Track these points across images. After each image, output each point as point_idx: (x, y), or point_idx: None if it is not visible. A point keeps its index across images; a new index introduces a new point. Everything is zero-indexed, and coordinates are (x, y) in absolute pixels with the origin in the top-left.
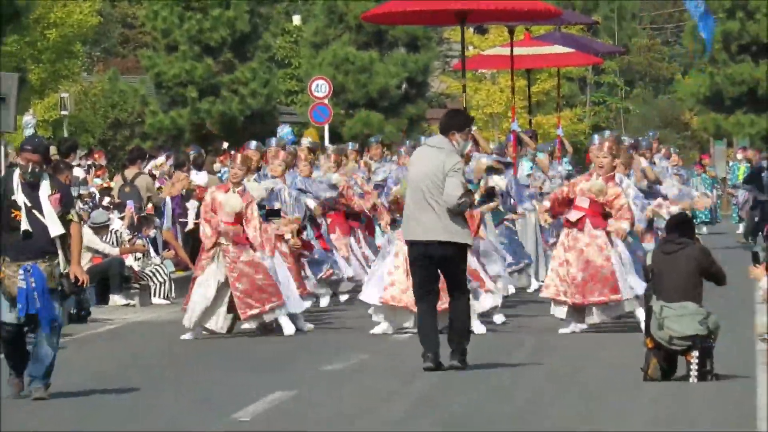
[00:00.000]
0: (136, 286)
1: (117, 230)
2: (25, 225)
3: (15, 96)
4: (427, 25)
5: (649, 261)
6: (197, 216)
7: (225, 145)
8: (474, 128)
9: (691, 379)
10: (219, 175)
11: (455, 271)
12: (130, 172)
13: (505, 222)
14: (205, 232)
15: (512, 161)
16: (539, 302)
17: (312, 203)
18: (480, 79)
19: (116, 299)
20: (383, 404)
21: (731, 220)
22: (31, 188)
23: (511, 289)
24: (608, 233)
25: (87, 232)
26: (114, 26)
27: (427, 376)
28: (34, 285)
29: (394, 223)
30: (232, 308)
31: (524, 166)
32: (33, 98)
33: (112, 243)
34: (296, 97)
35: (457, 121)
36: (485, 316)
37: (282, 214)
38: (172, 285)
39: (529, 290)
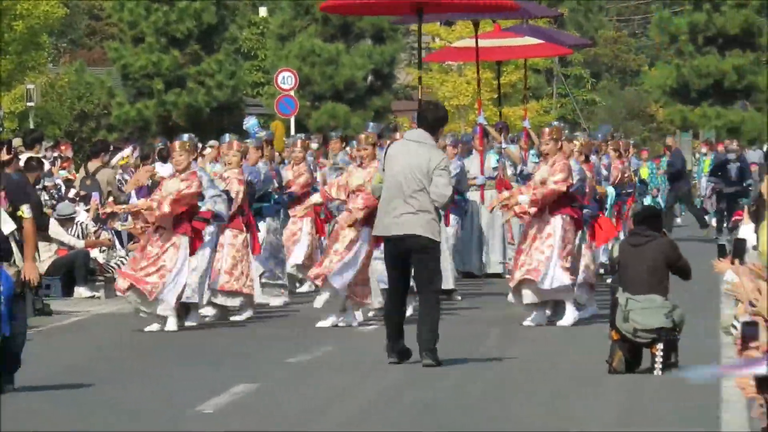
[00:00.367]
0: (101, 278)
1: (82, 222)
2: None
3: None
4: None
5: (615, 253)
6: None
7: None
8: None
9: (655, 372)
10: None
11: (426, 267)
12: (92, 165)
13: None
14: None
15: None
16: (499, 294)
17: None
18: (446, 71)
19: (81, 291)
20: (346, 397)
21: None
22: None
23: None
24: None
25: (53, 224)
26: (80, 18)
27: (391, 369)
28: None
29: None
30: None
31: (491, 159)
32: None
33: (78, 235)
34: (262, 89)
35: (444, 115)
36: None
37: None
38: None
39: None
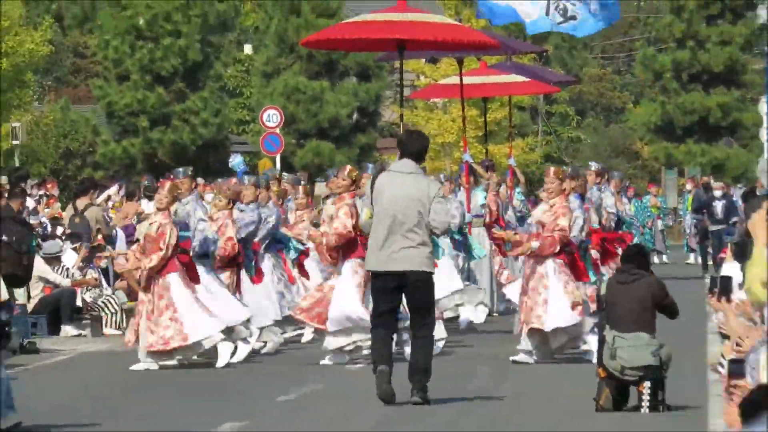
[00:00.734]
0: (88, 316)
1: (68, 268)
2: None
3: None
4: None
5: (603, 290)
6: None
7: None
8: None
9: (642, 410)
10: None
11: (424, 302)
12: (81, 203)
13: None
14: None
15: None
16: (491, 332)
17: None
18: (431, 108)
19: (68, 330)
20: None
21: (681, 250)
22: None
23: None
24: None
25: (39, 262)
26: (65, 55)
27: (379, 407)
28: None
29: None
30: None
31: (478, 197)
32: None
33: (64, 274)
34: (248, 126)
35: (428, 144)
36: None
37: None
38: (124, 315)
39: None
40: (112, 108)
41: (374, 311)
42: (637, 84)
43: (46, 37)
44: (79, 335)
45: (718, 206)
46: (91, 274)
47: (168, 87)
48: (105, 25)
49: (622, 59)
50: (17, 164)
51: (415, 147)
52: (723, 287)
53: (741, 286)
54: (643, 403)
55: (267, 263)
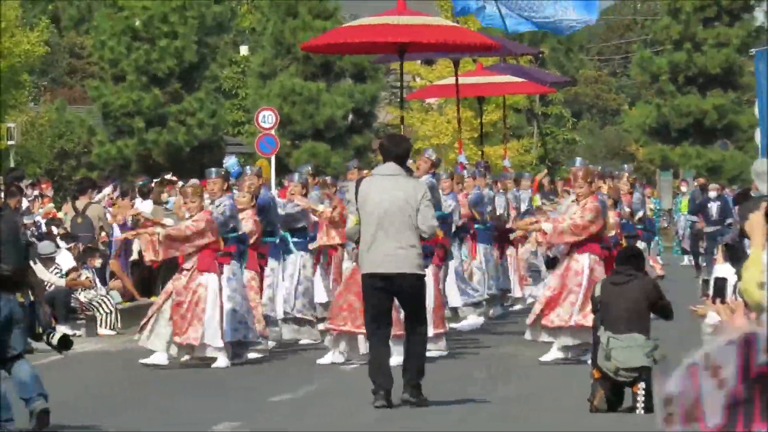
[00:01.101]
0: (82, 317)
1: (62, 269)
2: None
3: None
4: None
5: (597, 292)
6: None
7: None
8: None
9: (637, 411)
10: (166, 204)
11: (417, 303)
12: (81, 203)
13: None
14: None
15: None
16: (491, 333)
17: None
18: (427, 110)
19: (62, 330)
20: None
21: (673, 252)
22: None
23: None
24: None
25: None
26: (61, 56)
27: (374, 408)
28: None
29: None
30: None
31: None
32: None
33: (58, 274)
34: (243, 127)
35: (410, 146)
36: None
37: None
38: (119, 316)
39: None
40: (108, 109)
41: (367, 316)
42: (632, 86)
43: (42, 38)
44: (74, 335)
45: (713, 207)
46: (86, 274)
47: (164, 88)
48: (101, 26)
49: (618, 61)
50: (12, 164)
51: (397, 150)
52: (718, 288)
53: (734, 287)
54: (637, 404)
55: (297, 260)
